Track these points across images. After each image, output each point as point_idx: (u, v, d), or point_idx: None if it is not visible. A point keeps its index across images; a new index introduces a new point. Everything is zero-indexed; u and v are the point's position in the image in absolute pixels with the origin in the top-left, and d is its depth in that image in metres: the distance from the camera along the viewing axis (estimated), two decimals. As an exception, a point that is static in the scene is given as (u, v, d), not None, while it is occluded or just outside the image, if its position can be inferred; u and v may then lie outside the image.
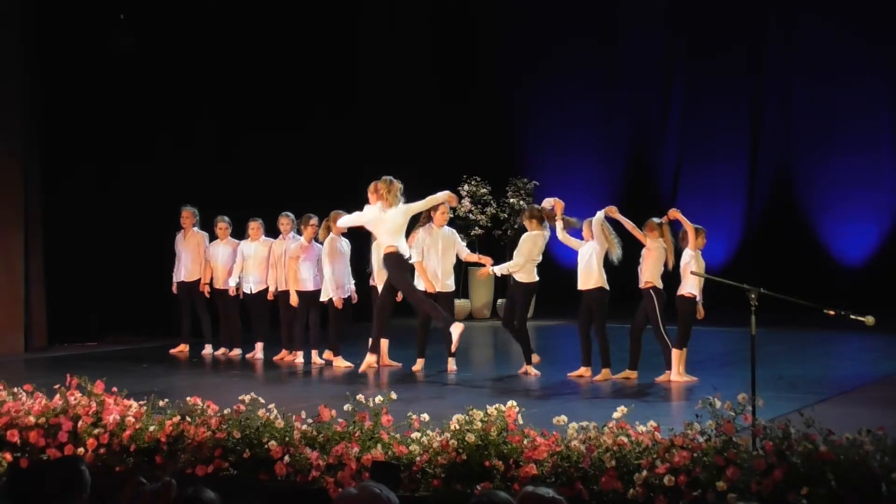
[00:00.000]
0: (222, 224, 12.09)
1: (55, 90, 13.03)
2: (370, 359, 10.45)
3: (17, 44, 12.54)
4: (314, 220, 11.47)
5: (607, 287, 10.18)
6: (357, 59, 16.42)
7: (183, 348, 12.21)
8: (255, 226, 11.85)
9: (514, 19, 18.82)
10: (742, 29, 17.41)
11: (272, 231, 11.96)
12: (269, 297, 11.79)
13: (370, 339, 10.63)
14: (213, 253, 12.11)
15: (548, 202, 10.65)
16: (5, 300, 12.37)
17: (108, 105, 13.52)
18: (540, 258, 10.52)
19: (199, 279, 12.17)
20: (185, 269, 12.22)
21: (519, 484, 5.69)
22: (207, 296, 12.13)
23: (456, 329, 10.05)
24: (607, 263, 10.21)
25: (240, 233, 12.07)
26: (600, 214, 10.20)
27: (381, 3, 17.06)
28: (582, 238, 10.39)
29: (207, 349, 12.10)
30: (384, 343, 10.96)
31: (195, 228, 12.25)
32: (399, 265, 10.23)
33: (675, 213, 10.04)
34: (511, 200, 15.75)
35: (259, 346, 11.79)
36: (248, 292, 11.88)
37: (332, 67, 15.91)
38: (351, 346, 11.38)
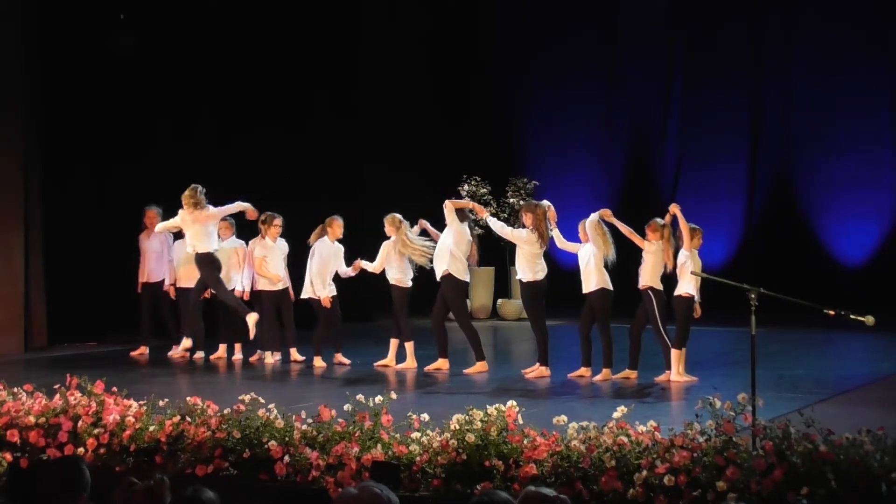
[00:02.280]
0: None
1: (55, 90, 13.03)
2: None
3: (17, 44, 12.53)
4: (278, 221, 11.57)
5: (610, 287, 10.18)
6: (357, 59, 16.42)
7: (143, 351, 12.10)
8: (224, 225, 11.73)
9: (514, 19, 18.83)
10: (742, 29, 17.42)
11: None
12: (244, 297, 11.73)
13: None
14: (175, 253, 12.02)
15: (543, 204, 10.64)
16: (5, 300, 12.36)
17: (108, 105, 13.52)
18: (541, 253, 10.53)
19: (163, 280, 12.16)
20: (148, 270, 12.14)
21: (519, 484, 5.69)
22: (173, 296, 12.06)
23: (251, 318, 10.92)
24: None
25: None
26: (594, 217, 10.19)
27: (381, 3, 17.05)
28: (579, 241, 10.40)
29: (174, 350, 11.94)
30: (409, 345, 11.02)
31: None
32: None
33: (675, 209, 9.97)
34: (511, 200, 15.75)
35: (237, 346, 11.77)
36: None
37: (333, 67, 15.90)
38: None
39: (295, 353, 11.44)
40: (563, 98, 18.52)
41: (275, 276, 11.46)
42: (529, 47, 18.72)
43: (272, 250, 11.56)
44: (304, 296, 11.37)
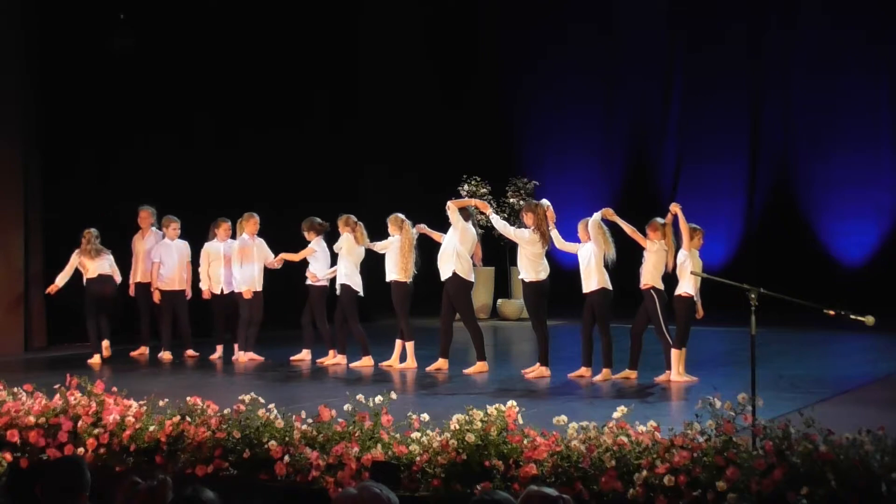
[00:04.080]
0: (174, 224, 12.05)
1: (55, 91, 13.03)
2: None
3: (18, 45, 12.54)
4: (255, 219, 11.82)
5: (610, 287, 10.18)
6: (357, 60, 16.43)
7: (143, 351, 12.18)
8: (226, 227, 11.88)
9: (514, 19, 18.84)
10: (742, 29, 17.43)
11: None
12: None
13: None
14: (165, 253, 12.02)
15: (543, 203, 10.64)
16: (5, 300, 12.37)
17: (107, 105, 13.52)
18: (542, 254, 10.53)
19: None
20: (141, 271, 12.13)
21: (519, 484, 5.69)
22: (157, 300, 12.05)
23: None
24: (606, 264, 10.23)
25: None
26: (597, 216, 10.20)
27: (381, 3, 17.06)
28: (577, 240, 10.40)
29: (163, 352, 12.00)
30: (409, 345, 11.06)
31: (153, 228, 12.22)
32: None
33: (675, 208, 9.97)
34: (511, 200, 15.75)
35: (236, 346, 11.87)
36: (218, 293, 11.94)
37: (332, 68, 15.91)
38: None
39: (333, 353, 11.50)
40: (563, 98, 18.53)
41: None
42: (529, 47, 18.73)
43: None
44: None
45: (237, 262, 11.73)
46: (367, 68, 16.61)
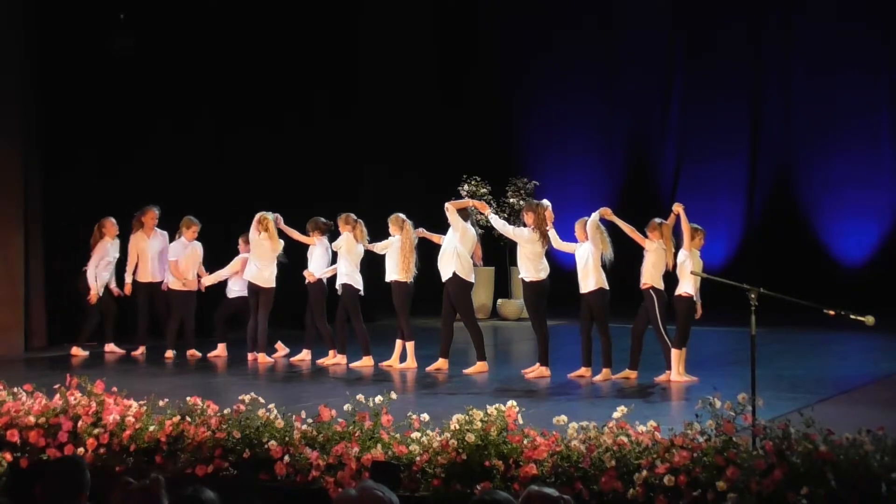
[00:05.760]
0: (195, 227, 12.06)
1: (55, 91, 13.02)
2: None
3: (19, 45, 12.53)
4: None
5: (607, 287, 10.19)
6: (357, 60, 16.42)
7: (142, 350, 12.18)
8: (245, 238, 12.01)
9: (514, 19, 18.84)
10: (742, 29, 17.42)
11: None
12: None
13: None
14: (183, 254, 12.05)
15: (544, 203, 10.65)
16: (5, 300, 12.35)
17: (108, 106, 13.50)
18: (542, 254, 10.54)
19: (161, 280, 12.20)
20: (151, 270, 12.18)
21: (519, 484, 5.70)
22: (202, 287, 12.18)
23: None
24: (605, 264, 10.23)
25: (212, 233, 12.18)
26: (595, 216, 10.20)
27: (381, 3, 17.05)
28: (575, 240, 10.41)
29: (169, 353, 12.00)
30: (409, 345, 11.05)
31: (156, 229, 12.25)
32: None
33: (679, 208, 9.98)
34: (511, 200, 15.75)
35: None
36: (233, 297, 12.12)
37: (332, 67, 15.90)
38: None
39: (333, 353, 11.49)
40: (564, 98, 18.52)
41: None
42: (529, 47, 18.73)
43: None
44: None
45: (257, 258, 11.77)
46: (366, 68, 16.60)
